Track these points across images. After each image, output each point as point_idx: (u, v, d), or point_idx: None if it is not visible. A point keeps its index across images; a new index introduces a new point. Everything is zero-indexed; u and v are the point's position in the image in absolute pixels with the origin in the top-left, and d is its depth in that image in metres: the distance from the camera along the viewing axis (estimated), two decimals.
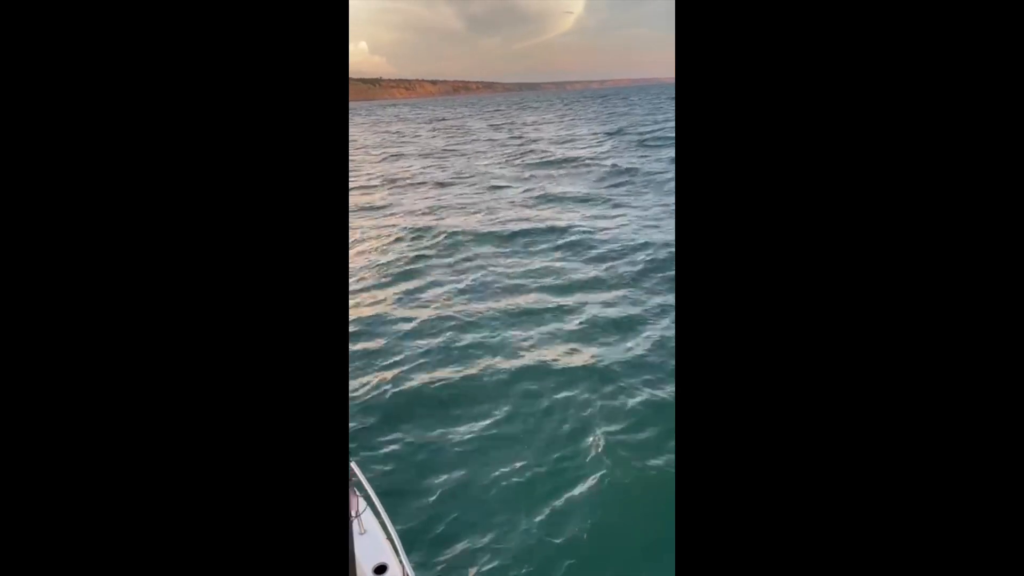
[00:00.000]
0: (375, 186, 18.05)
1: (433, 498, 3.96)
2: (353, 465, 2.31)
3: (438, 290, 7.99)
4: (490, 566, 3.40)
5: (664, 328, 6.24)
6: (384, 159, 25.60)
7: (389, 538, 2.28)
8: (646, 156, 19.95)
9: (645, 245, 9.34)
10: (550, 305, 7.14)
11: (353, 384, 5.35)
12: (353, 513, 2.02)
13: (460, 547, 3.55)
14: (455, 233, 10.91)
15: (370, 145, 33.33)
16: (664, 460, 4.16)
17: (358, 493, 2.32)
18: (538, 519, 3.75)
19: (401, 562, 1.97)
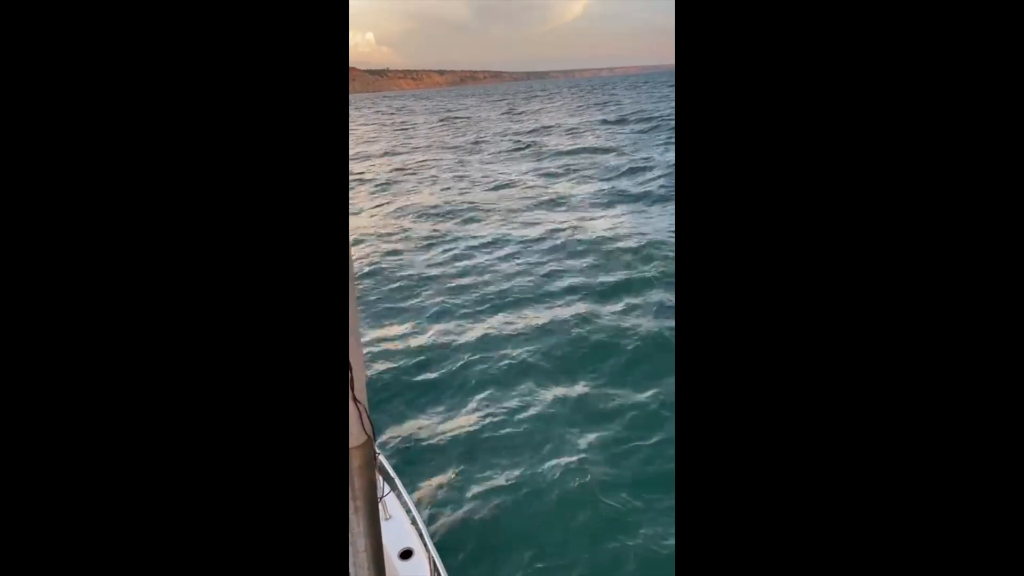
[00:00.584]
0: (365, 181, 17.57)
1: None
2: (376, 449, 2.30)
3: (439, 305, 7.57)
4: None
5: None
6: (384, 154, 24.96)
7: (414, 523, 2.32)
8: (657, 147, 19.21)
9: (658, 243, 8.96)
10: (565, 312, 6.74)
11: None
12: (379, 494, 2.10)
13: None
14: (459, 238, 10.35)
15: (369, 139, 32.76)
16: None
17: (381, 476, 2.36)
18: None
19: (426, 547, 1.97)
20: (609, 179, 14.77)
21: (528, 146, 22.95)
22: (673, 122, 25.61)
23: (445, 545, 3.32)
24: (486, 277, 8.30)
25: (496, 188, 14.94)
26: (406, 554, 2.31)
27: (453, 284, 8.12)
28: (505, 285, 7.92)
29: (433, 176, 17.72)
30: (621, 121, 29.32)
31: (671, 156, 16.79)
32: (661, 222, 10.54)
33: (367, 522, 1.41)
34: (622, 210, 11.62)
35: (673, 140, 20.57)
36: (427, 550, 2.00)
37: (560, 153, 20.20)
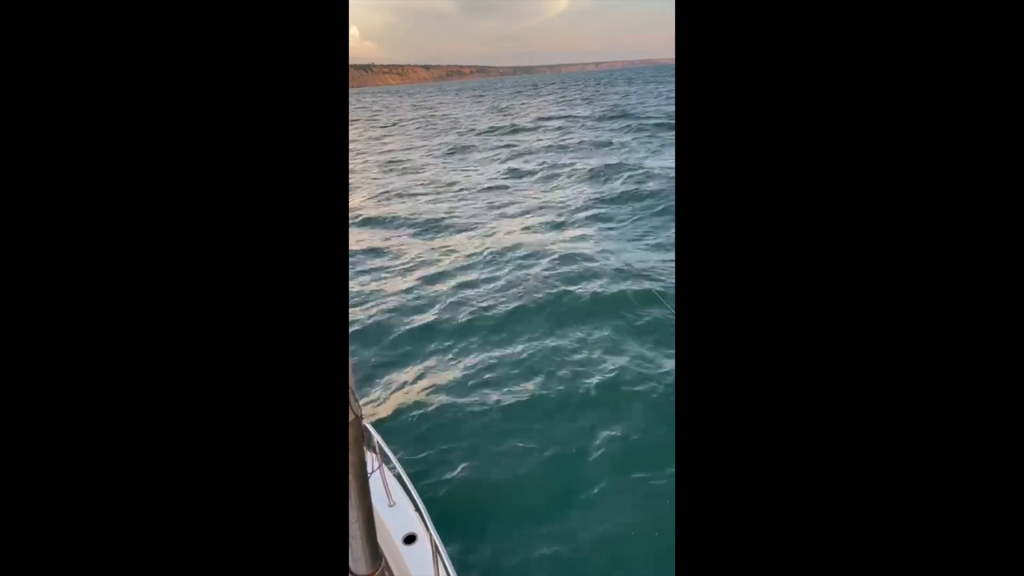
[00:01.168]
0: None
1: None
2: (378, 438, 2.39)
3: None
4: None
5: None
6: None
7: (417, 509, 2.35)
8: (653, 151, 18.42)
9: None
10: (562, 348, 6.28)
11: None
12: (369, 469, 2.13)
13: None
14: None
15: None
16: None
17: (374, 453, 2.40)
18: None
19: (429, 532, 2.01)
20: (592, 185, 14.30)
21: (508, 146, 22.78)
22: (643, 121, 25.61)
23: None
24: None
25: (464, 196, 14.48)
26: (410, 539, 2.40)
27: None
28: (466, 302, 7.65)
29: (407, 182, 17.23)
30: (606, 118, 29.36)
31: (646, 160, 16.40)
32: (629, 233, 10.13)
33: (358, 495, 1.50)
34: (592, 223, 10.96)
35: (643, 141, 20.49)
36: (430, 535, 2.02)
37: (539, 153, 19.81)
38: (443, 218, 12.09)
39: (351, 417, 1.43)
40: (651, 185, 12.91)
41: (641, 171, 14.45)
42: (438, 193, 14.72)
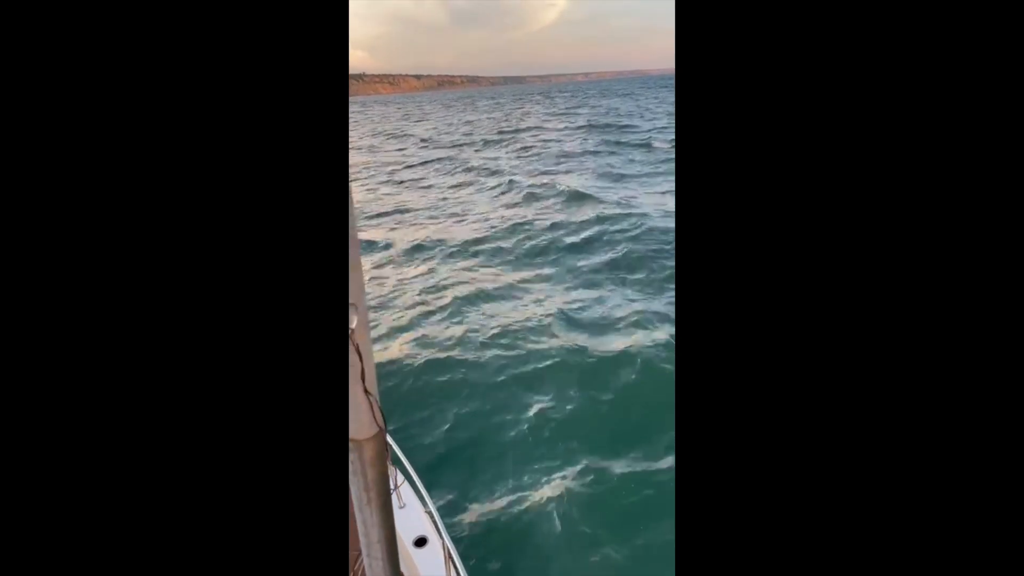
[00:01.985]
0: None
1: None
2: (389, 439, 2.36)
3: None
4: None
5: None
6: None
7: (428, 512, 2.37)
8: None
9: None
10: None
11: None
12: (392, 486, 2.07)
13: None
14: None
15: None
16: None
17: (395, 467, 2.40)
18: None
19: (440, 534, 2.02)
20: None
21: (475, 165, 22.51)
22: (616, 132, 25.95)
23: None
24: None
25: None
26: (420, 542, 2.40)
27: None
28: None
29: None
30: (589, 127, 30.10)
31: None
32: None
33: (381, 513, 1.41)
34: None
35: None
36: (441, 538, 2.02)
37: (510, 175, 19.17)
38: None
39: (375, 430, 1.33)
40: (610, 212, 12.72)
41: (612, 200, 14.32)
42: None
